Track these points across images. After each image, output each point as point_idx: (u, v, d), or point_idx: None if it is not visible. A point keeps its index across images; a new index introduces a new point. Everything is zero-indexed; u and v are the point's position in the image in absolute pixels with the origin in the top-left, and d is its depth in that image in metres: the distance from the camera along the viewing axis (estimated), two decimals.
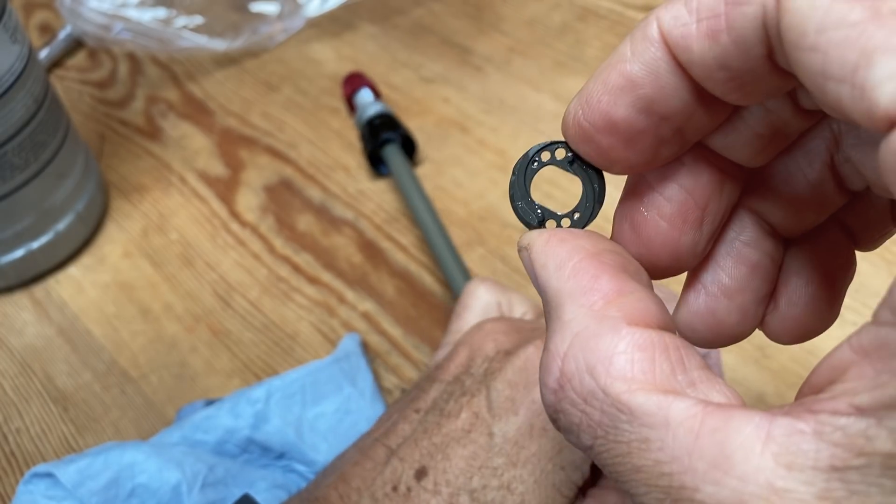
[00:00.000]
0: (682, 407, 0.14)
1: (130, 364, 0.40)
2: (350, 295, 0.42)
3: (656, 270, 0.19)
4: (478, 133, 0.49)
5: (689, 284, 0.20)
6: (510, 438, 0.26)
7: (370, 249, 0.44)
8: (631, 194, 0.19)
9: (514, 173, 0.20)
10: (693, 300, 0.20)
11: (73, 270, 0.45)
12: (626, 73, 0.16)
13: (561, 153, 0.19)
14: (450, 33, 0.57)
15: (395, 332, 0.40)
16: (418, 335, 0.40)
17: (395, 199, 0.46)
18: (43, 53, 0.57)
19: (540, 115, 0.50)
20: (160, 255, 0.45)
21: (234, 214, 0.47)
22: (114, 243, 0.46)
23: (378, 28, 0.58)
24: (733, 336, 0.20)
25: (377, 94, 0.50)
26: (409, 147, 0.47)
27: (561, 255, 0.17)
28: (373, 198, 0.46)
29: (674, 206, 0.18)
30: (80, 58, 0.59)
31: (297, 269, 0.43)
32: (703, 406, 0.14)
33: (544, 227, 0.19)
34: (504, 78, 0.53)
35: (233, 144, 0.51)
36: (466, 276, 0.39)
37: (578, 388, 0.15)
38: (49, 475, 0.32)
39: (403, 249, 0.44)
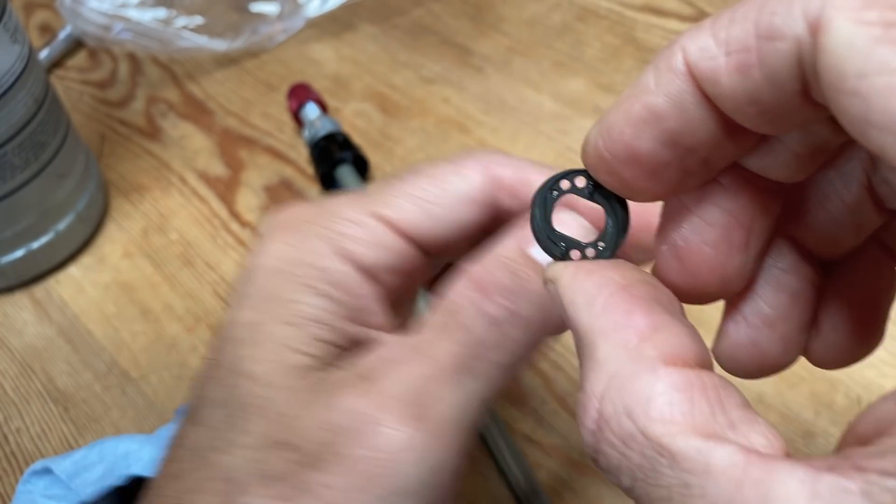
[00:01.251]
0: (725, 454, 0.13)
1: (131, 364, 0.40)
2: None
3: (703, 297, 0.19)
4: (478, 133, 0.49)
5: (728, 315, 0.20)
6: None
7: None
8: (670, 222, 0.19)
9: (533, 203, 0.19)
10: (734, 332, 0.19)
11: (73, 270, 0.45)
12: (649, 106, 0.16)
13: (581, 181, 0.19)
14: (450, 33, 0.57)
15: None
16: None
17: None
18: (43, 53, 0.57)
19: (540, 116, 0.50)
20: (160, 255, 0.45)
21: (235, 214, 0.47)
22: (114, 243, 0.46)
23: (378, 28, 0.58)
24: (777, 366, 0.19)
25: (324, 109, 0.50)
26: (361, 165, 0.47)
27: (590, 289, 0.17)
28: None
29: (718, 230, 0.18)
30: (80, 58, 0.59)
31: None
32: (745, 454, 0.13)
33: (569, 257, 0.19)
34: (504, 78, 0.53)
35: (233, 144, 0.51)
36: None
37: (617, 431, 0.15)
38: (47, 472, 0.32)
39: None
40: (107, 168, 0.50)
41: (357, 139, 0.49)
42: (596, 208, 0.19)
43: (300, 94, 0.50)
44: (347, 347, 0.21)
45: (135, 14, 0.56)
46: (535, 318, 0.21)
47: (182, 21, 0.56)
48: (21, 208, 0.41)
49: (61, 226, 0.44)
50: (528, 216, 0.19)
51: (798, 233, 0.19)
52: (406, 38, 0.57)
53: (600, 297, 0.16)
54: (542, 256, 0.20)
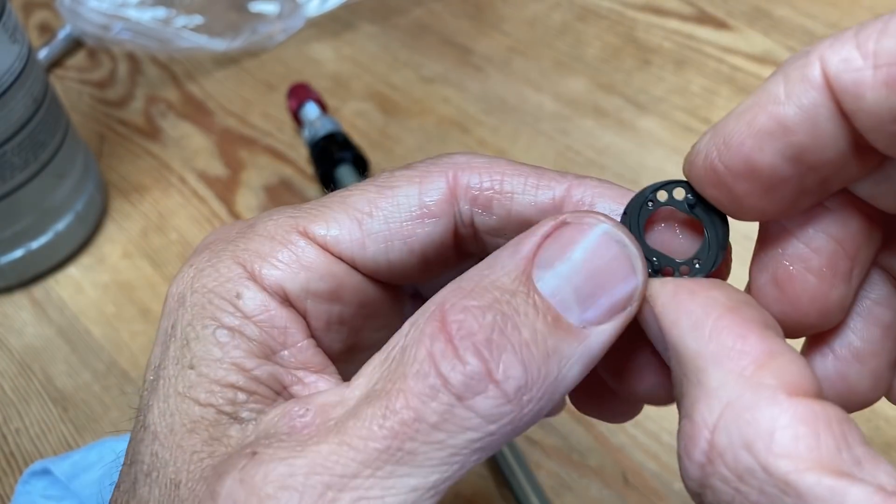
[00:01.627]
0: (861, 495, 0.12)
1: (130, 364, 0.40)
2: None
3: (800, 328, 0.18)
4: (478, 133, 0.49)
5: (813, 347, 0.19)
6: None
7: None
8: (771, 247, 0.18)
9: (625, 213, 0.18)
10: (820, 365, 0.18)
11: (72, 270, 0.45)
12: (777, 117, 0.15)
13: (680, 193, 0.18)
14: (450, 33, 0.56)
15: None
16: None
17: None
18: (42, 53, 0.57)
19: (540, 115, 0.50)
20: (160, 255, 0.45)
21: (234, 215, 0.47)
22: (113, 243, 0.46)
23: (378, 28, 0.58)
24: (864, 402, 0.18)
25: (324, 109, 0.50)
26: (361, 165, 0.46)
27: (695, 310, 0.15)
28: None
29: (823, 258, 0.17)
30: (79, 58, 0.59)
31: None
32: (883, 496, 0.12)
33: (662, 276, 0.17)
34: (504, 78, 0.53)
35: (232, 144, 0.51)
36: None
37: (732, 464, 0.14)
38: (46, 473, 0.32)
39: None
40: (106, 168, 0.50)
41: (357, 139, 0.49)
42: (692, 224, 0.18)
43: (300, 94, 0.50)
44: (263, 392, 0.18)
45: (134, 14, 0.56)
46: (530, 387, 0.16)
47: (181, 21, 0.56)
48: (20, 208, 0.41)
49: (60, 226, 0.43)
50: (536, 234, 0.17)
51: (892, 263, 0.18)
52: (406, 38, 0.57)
53: (708, 320, 0.15)
54: (553, 292, 0.16)
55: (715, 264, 0.18)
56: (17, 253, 0.42)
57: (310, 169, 0.48)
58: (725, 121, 0.15)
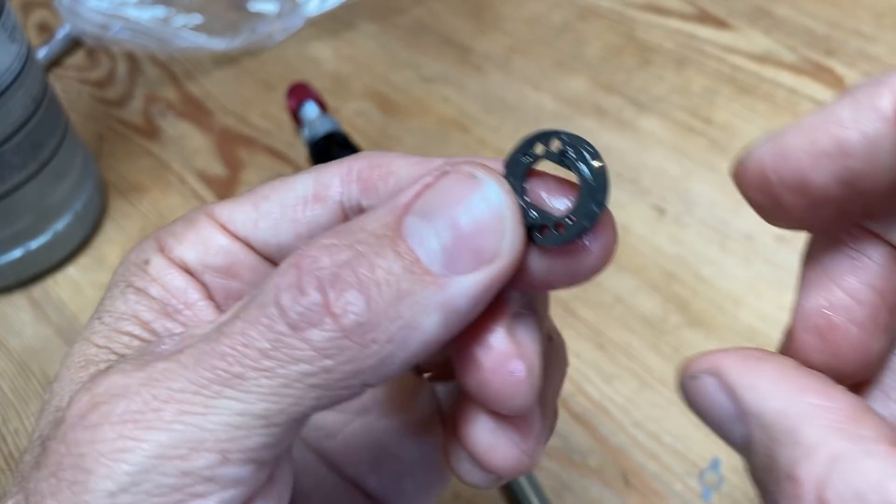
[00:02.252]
0: None
1: None
2: None
3: (839, 378, 0.18)
4: (478, 132, 0.49)
5: (863, 392, 0.19)
6: None
7: None
8: (814, 297, 0.18)
9: (505, 167, 0.18)
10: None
11: (71, 270, 0.45)
12: (839, 140, 0.15)
13: (557, 145, 0.17)
14: (450, 33, 0.56)
15: None
16: None
17: None
18: (41, 53, 0.57)
19: (540, 115, 0.50)
20: None
21: None
22: (112, 243, 0.46)
23: (378, 27, 0.58)
24: None
25: (323, 108, 0.50)
26: None
27: (771, 372, 0.16)
28: None
29: (865, 309, 0.17)
30: (78, 57, 0.59)
31: None
32: None
33: (540, 232, 0.17)
34: (504, 78, 0.52)
35: (232, 144, 0.51)
36: None
37: None
38: None
39: None
40: (105, 168, 0.50)
41: (357, 138, 0.49)
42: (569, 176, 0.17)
43: (299, 94, 0.50)
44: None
45: (133, 13, 0.56)
46: (374, 326, 0.16)
47: (181, 20, 0.56)
48: (19, 208, 0.41)
49: (59, 226, 0.43)
50: (417, 184, 0.17)
51: None
52: (406, 37, 0.57)
53: (789, 380, 0.15)
54: (421, 240, 0.16)
55: (592, 220, 0.17)
56: (16, 253, 0.42)
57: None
58: (785, 133, 0.16)
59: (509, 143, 0.53)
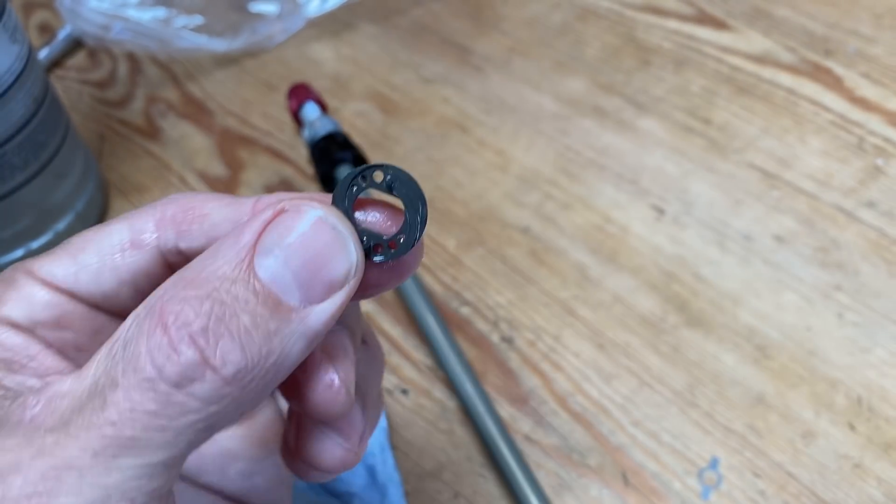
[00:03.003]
0: None
1: None
2: None
3: None
4: (478, 133, 0.49)
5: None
6: None
7: None
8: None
9: (334, 199, 0.20)
10: None
11: None
12: None
13: (379, 176, 0.20)
14: (450, 33, 0.57)
15: (394, 332, 0.40)
16: (418, 335, 0.40)
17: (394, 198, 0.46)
18: (42, 53, 0.57)
19: (540, 115, 0.50)
20: None
21: None
22: None
23: (378, 28, 0.58)
24: None
25: (324, 109, 0.50)
26: (361, 165, 0.46)
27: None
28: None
29: None
30: (79, 58, 0.59)
31: None
32: None
33: (373, 252, 0.20)
34: (504, 78, 0.53)
35: (233, 144, 0.51)
36: (426, 300, 0.39)
37: None
38: None
39: None
40: (106, 168, 0.50)
41: (357, 139, 0.49)
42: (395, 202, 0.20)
43: (300, 94, 0.50)
44: (12, 397, 0.19)
45: (134, 14, 0.56)
46: (251, 368, 0.17)
47: (181, 21, 0.56)
48: (20, 208, 0.41)
49: (61, 226, 0.43)
50: (257, 222, 0.18)
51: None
52: (406, 38, 0.57)
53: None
54: (274, 277, 0.17)
55: (416, 239, 0.20)
56: (18, 253, 0.42)
57: (310, 169, 0.48)
58: None
59: (509, 144, 0.53)
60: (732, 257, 0.41)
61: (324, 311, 0.18)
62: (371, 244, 0.19)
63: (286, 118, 0.52)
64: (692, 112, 0.48)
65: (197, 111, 0.54)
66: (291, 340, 0.17)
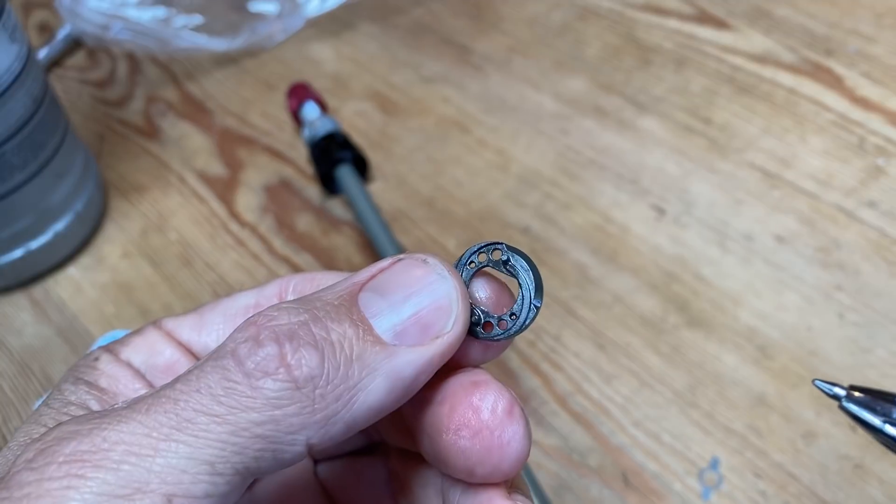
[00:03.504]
0: None
1: None
2: None
3: None
4: (478, 133, 0.49)
5: None
6: None
7: (370, 250, 0.44)
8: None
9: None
10: None
11: (71, 270, 0.45)
12: None
13: (498, 254, 0.20)
14: (450, 33, 0.56)
15: None
16: None
17: (395, 198, 0.46)
18: (42, 53, 0.57)
19: (540, 115, 0.50)
20: (159, 255, 0.45)
21: (234, 214, 0.47)
22: (113, 243, 0.46)
23: (378, 28, 0.58)
24: None
25: (324, 108, 0.50)
26: (361, 165, 0.46)
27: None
28: (372, 197, 0.46)
29: None
30: (79, 57, 0.59)
31: (296, 269, 0.43)
32: None
33: (483, 327, 0.19)
34: (504, 78, 0.52)
35: (232, 144, 0.51)
36: None
37: None
38: None
39: (403, 250, 0.43)
40: (105, 168, 0.50)
41: (357, 139, 0.49)
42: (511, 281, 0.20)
43: (300, 94, 0.50)
44: None
45: (134, 13, 0.56)
46: (325, 382, 0.17)
47: (181, 20, 0.56)
48: (19, 208, 0.41)
49: (60, 226, 0.43)
50: (373, 268, 0.19)
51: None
52: (406, 38, 0.57)
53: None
54: (374, 311, 0.18)
55: (528, 319, 0.19)
56: (17, 253, 0.42)
57: (309, 169, 0.48)
58: None
59: (509, 143, 0.53)
60: (733, 257, 0.41)
61: (414, 355, 0.17)
62: (482, 320, 0.19)
63: (286, 118, 0.52)
64: (693, 112, 0.48)
65: (196, 111, 0.54)
66: (373, 373, 0.17)
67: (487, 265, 0.20)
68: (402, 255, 0.19)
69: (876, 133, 0.46)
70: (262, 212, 0.47)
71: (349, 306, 0.18)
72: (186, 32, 0.56)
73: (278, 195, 0.47)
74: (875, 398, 0.18)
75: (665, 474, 0.34)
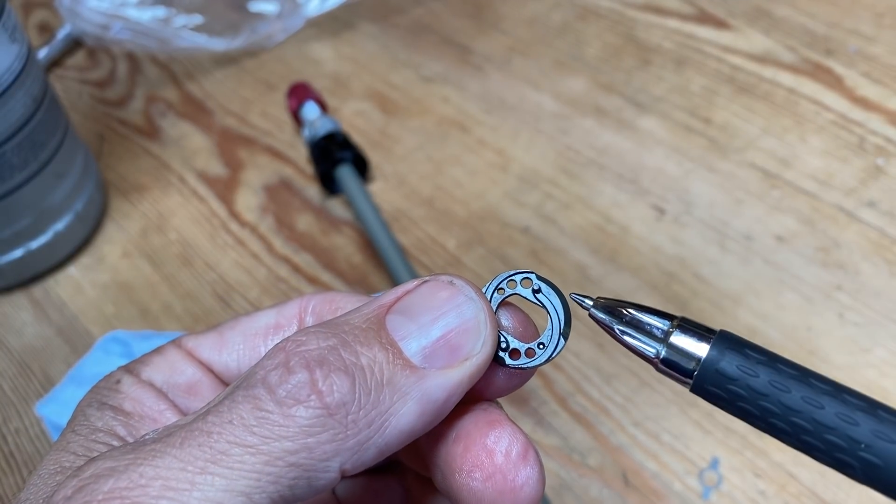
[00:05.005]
0: None
1: None
2: None
3: None
4: (477, 132, 0.49)
5: None
6: None
7: (370, 249, 0.44)
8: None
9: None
10: None
11: (72, 270, 0.45)
12: None
13: (528, 283, 0.20)
14: (450, 33, 0.56)
15: None
16: None
17: (394, 198, 0.46)
18: (42, 53, 0.57)
19: (540, 115, 0.50)
20: (159, 254, 0.45)
21: (234, 214, 0.47)
22: (113, 243, 0.46)
23: (378, 27, 0.58)
24: None
25: (324, 108, 0.50)
26: (361, 165, 0.46)
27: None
28: (372, 197, 0.46)
29: None
30: (79, 57, 0.59)
31: (296, 269, 0.43)
32: None
33: (510, 355, 0.19)
34: (504, 78, 0.52)
35: (232, 144, 0.51)
36: None
37: None
38: (124, 345, 0.34)
39: (403, 250, 0.43)
40: (105, 168, 0.50)
41: (357, 138, 0.49)
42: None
43: (300, 94, 0.50)
44: None
45: (134, 13, 0.56)
46: (356, 408, 0.16)
47: (181, 20, 0.56)
48: (19, 208, 0.41)
49: (60, 225, 0.43)
50: (398, 290, 0.19)
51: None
52: (406, 38, 0.57)
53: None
54: (403, 334, 0.18)
55: (556, 349, 0.19)
56: (17, 253, 0.42)
57: (309, 168, 0.48)
58: None
59: (509, 143, 0.53)
60: (733, 257, 0.41)
61: (444, 378, 0.17)
62: (509, 346, 0.19)
63: (286, 117, 0.52)
64: (692, 112, 0.48)
65: (196, 111, 0.54)
66: (404, 398, 0.17)
67: (517, 293, 0.20)
68: (426, 277, 0.19)
69: (876, 133, 0.46)
70: (262, 212, 0.47)
71: (377, 329, 0.17)
72: (186, 32, 0.56)
73: (278, 195, 0.47)
74: (622, 307, 0.19)
75: (665, 474, 0.34)
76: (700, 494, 0.34)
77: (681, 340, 0.18)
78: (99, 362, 0.36)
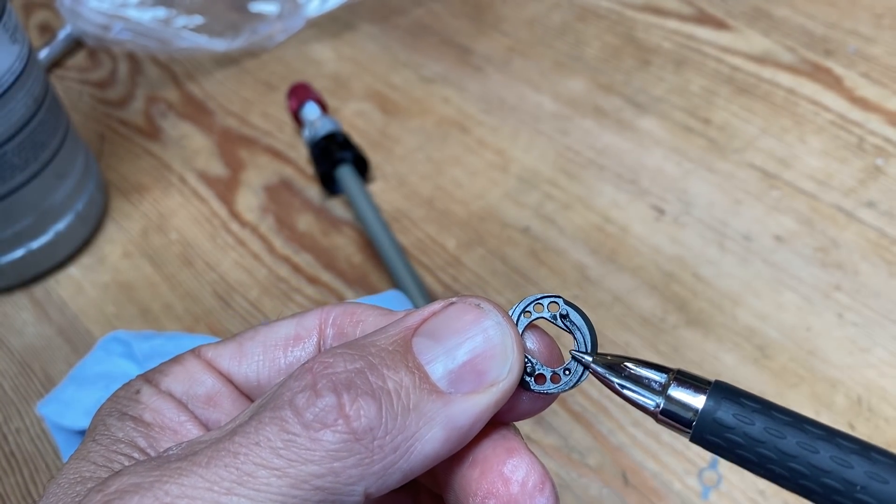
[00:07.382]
0: None
1: None
2: (350, 295, 0.42)
3: None
4: (477, 133, 0.49)
5: None
6: None
7: (370, 249, 0.44)
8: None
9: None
10: None
11: (72, 270, 0.45)
12: None
13: (554, 307, 0.20)
14: (450, 33, 0.57)
15: None
16: None
17: (394, 198, 0.46)
18: (43, 53, 0.57)
19: (540, 115, 0.50)
20: (160, 255, 0.45)
21: (234, 214, 0.47)
22: (113, 243, 0.46)
23: (378, 28, 0.58)
24: None
25: (324, 109, 0.50)
26: (361, 165, 0.47)
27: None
28: (372, 197, 0.46)
29: None
30: (79, 58, 0.59)
31: (297, 269, 0.43)
32: None
33: (535, 380, 0.19)
34: (504, 78, 0.53)
35: (233, 144, 0.51)
36: (426, 299, 0.39)
37: None
38: (125, 345, 0.34)
39: (403, 250, 0.43)
40: (106, 168, 0.50)
41: (357, 139, 0.49)
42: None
43: (300, 94, 0.50)
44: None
45: (134, 14, 0.56)
46: (383, 433, 0.16)
47: (181, 21, 0.56)
48: (20, 208, 0.41)
49: (61, 226, 0.44)
50: (424, 311, 0.19)
51: None
52: (406, 38, 0.57)
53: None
54: (429, 358, 0.18)
55: (582, 375, 0.19)
56: (18, 253, 0.42)
57: (310, 169, 0.48)
58: None
59: (509, 144, 0.53)
60: (732, 257, 0.41)
61: (470, 403, 0.17)
62: (535, 370, 0.19)
63: (286, 118, 0.52)
64: (692, 112, 0.48)
65: (197, 111, 0.54)
66: (430, 422, 0.17)
67: (543, 317, 0.20)
68: (453, 299, 0.19)
69: (875, 133, 0.46)
70: (262, 212, 0.47)
71: (404, 352, 0.18)
72: (187, 33, 0.56)
73: (279, 195, 0.47)
74: (621, 362, 0.20)
75: (664, 473, 0.34)
76: (700, 494, 0.34)
77: (678, 393, 0.18)
78: (100, 362, 0.36)
